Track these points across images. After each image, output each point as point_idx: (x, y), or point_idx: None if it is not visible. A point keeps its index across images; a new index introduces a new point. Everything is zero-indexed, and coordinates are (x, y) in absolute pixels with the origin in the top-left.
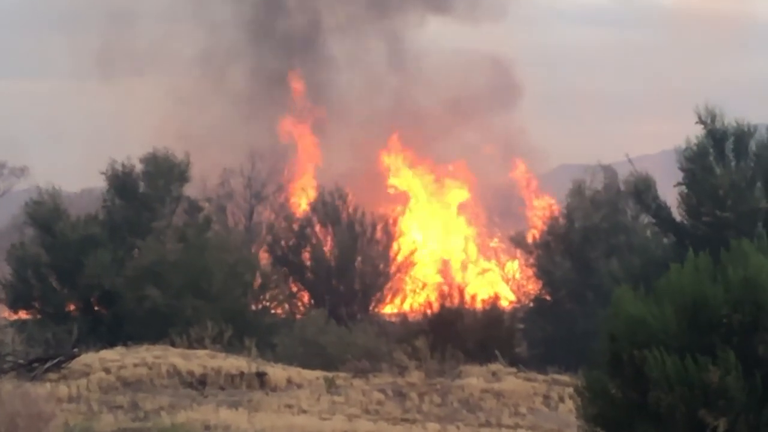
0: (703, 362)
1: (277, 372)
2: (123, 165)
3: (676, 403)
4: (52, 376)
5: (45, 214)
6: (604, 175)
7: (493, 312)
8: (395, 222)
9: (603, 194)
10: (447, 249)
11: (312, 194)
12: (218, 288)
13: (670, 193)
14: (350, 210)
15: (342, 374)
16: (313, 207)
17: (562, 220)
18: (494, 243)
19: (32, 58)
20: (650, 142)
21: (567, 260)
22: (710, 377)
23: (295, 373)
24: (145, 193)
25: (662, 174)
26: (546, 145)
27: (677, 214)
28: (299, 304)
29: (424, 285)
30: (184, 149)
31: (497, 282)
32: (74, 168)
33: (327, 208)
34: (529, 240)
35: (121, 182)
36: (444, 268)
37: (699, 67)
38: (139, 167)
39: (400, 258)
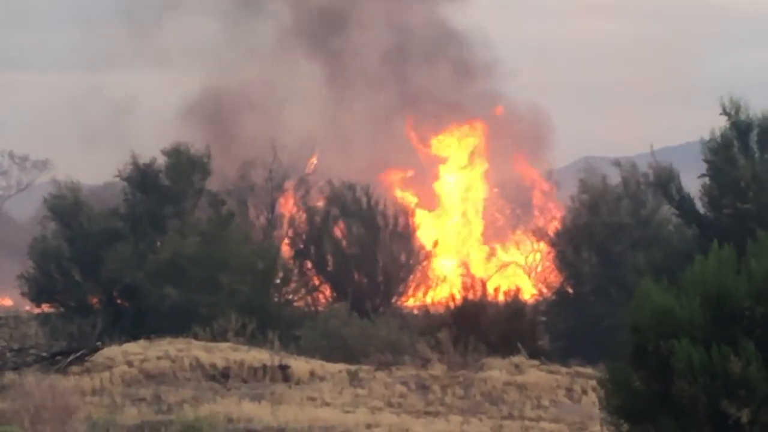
0: (725, 353)
1: (299, 365)
2: (135, 159)
3: (699, 394)
4: (76, 369)
5: (65, 208)
6: (627, 167)
7: (515, 304)
8: (414, 213)
9: (625, 187)
10: (469, 241)
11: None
12: (240, 281)
13: (693, 184)
14: (371, 202)
15: (365, 367)
16: (333, 199)
17: (584, 213)
18: (517, 236)
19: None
20: (674, 133)
21: (589, 253)
22: (732, 368)
23: (318, 365)
24: (166, 186)
25: (686, 166)
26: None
27: (700, 206)
28: (321, 297)
29: (445, 278)
30: (207, 142)
31: (519, 274)
32: (98, 161)
33: (347, 200)
34: (551, 233)
35: (141, 175)
36: (466, 261)
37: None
38: (161, 160)
39: (422, 251)
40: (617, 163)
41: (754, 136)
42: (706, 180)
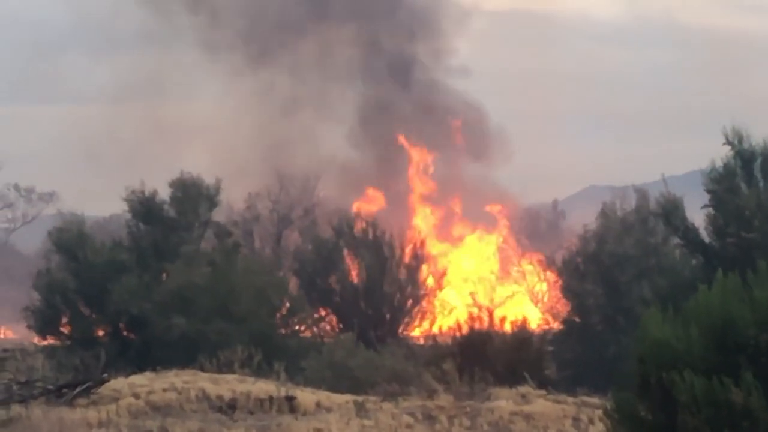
0: (727, 383)
1: (306, 396)
2: (140, 190)
3: (703, 425)
4: (82, 401)
5: (69, 241)
6: (635, 196)
7: (522, 334)
8: (423, 245)
9: (633, 216)
10: (476, 271)
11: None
12: (246, 312)
13: (697, 213)
14: (377, 233)
15: (371, 397)
16: (339, 231)
17: (591, 243)
18: (523, 265)
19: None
20: (677, 162)
21: (596, 283)
22: (734, 398)
23: (324, 396)
24: (172, 217)
25: (690, 194)
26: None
27: (705, 236)
28: (328, 327)
29: (452, 309)
30: (216, 174)
31: (526, 304)
32: (104, 192)
33: (353, 232)
34: (559, 262)
35: (145, 207)
36: (473, 291)
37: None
38: (166, 192)
39: (429, 281)
40: (637, 191)
41: (757, 165)
42: (710, 210)
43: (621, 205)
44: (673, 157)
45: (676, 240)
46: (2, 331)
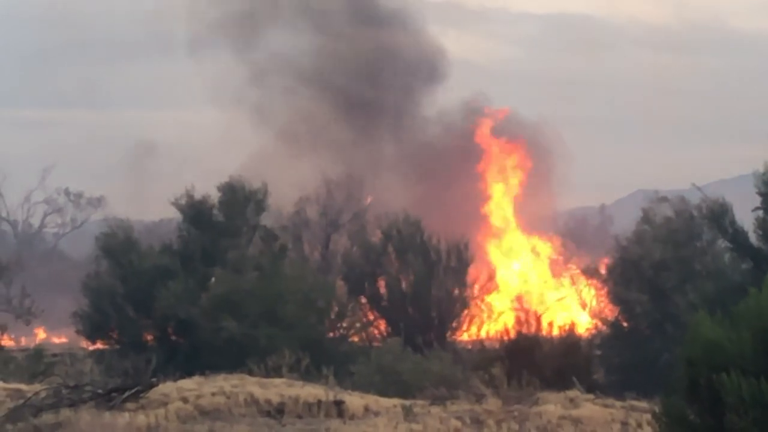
0: None
1: (354, 400)
2: (190, 194)
3: (751, 427)
4: (131, 405)
5: (116, 246)
6: (676, 201)
7: (570, 339)
8: (468, 246)
9: (675, 222)
10: (524, 275)
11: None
12: (294, 316)
13: (747, 218)
14: (424, 237)
15: (419, 402)
16: (387, 235)
17: (634, 249)
18: (571, 270)
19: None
20: (727, 166)
21: (641, 289)
22: None
23: (373, 401)
24: (220, 221)
25: (740, 199)
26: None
27: (754, 239)
28: (376, 332)
29: (501, 313)
30: (262, 178)
31: (574, 308)
32: (154, 197)
33: (401, 236)
34: (602, 270)
35: (196, 211)
36: (521, 296)
37: None
38: (216, 196)
39: (476, 286)
40: (664, 199)
41: None
42: (760, 213)
43: (662, 209)
44: (723, 161)
45: (723, 244)
46: (53, 337)
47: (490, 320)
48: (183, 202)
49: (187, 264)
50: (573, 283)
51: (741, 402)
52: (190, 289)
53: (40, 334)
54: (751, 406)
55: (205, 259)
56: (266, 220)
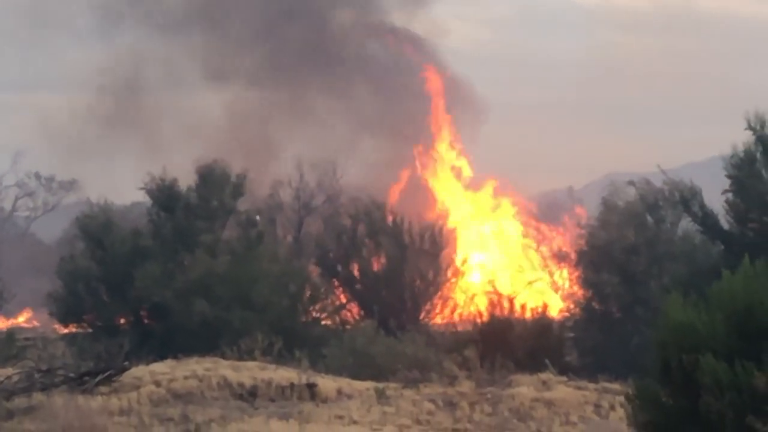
0: (749, 368)
1: (327, 383)
2: (160, 178)
3: (726, 409)
4: (103, 389)
5: (96, 228)
6: (642, 184)
7: (542, 321)
8: (442, 231)
9: (638, 205)
10: (497, 259)
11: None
12: (267, 300)
13: (718, 200)
14: (397, 220)
15: (392, 384)
16: (359, 218)
17: (602, 233)
18: (542, 252)
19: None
20: (697, 149)
21: (611, 272)
22: (757, 383)
23: (346, 384)
24: (195, 204)
25: (710, 181)
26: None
27: (725, 222)
28: (349, 315)
29: (474, 296)
30: (239, 162)
31: (546, 290)
32: (125, 181)
33: (372, 219)
34: (572, 254)
35: (164, 195)
36: (493, 278)
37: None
38: (191, 179)
39: (449, 268)
40: (631, 183)
41: None
42: (730, 195)
43: (626, 194)
44: (693, 144)
45: (692, 227)
46: (26, 316)
47: (464, 303)
48: (155, 185)
49: (163, 247)
50: (545, 265)
51: (717, 384)
52: (166, 272)
53: (20, 317)
54: (727, 389)
55: (182, 243)
56: (241, 203)
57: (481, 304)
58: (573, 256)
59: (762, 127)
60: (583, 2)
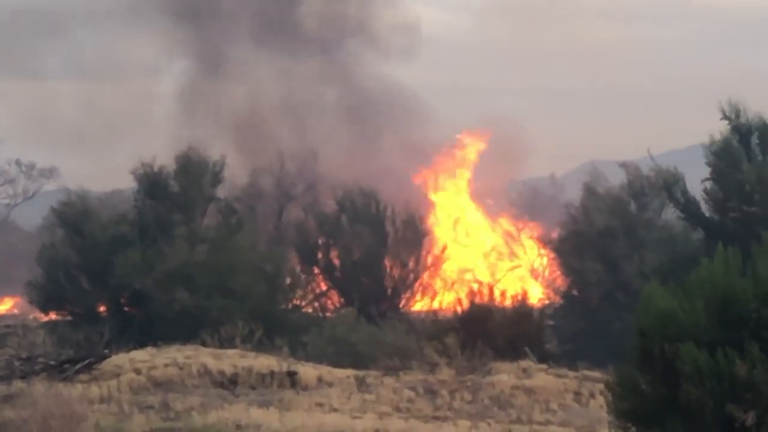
0: (731, 356)
1: (307, 371)
2: (149, 164)
3: (706, 397)
4: (83, 377)
5: (74, 216)
6: (626, 171)
7: (522, 308)
8: (424, 219)
9: (621, 191)
10: (477, 246)
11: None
12: (248, 287)
13: (698, 188)
14: (379, 207)
15: (372, 372)
16: (341, 205)
17: (585, 219)
18: (523, 240)
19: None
20: (678, 137)
21: (592, 259)
22: (738, 371)
23: (326, 371)
24: (176, 192)
25: (690, 169)
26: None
27: (705, 209)
28: (329, 302)
29: (454, 282)
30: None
31: (526, 278)
32: (104, 169)
33: (355, 206)
34: (554, 239)
35: (151, 182)
36: (473, 266)
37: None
38: (171, 167)
39: (429, 256)
40: (623, 166)
41: (755, 139)
42: (711, 183)
43: (606, 180)
44: (673, 132)
45: (674, 214)
46: (6, 303)
47: (444, 290)
48: (140, 172)
49: (143, 235)
50: (525, 252)
51: (698, 372)
52: (146, 260)
53: (6, 303)
54: (707, 377)
55: (162, 230)
56: (221, 191)
57: (461, 291)
58: (555, 240)
59: (737, 116)
60: None
